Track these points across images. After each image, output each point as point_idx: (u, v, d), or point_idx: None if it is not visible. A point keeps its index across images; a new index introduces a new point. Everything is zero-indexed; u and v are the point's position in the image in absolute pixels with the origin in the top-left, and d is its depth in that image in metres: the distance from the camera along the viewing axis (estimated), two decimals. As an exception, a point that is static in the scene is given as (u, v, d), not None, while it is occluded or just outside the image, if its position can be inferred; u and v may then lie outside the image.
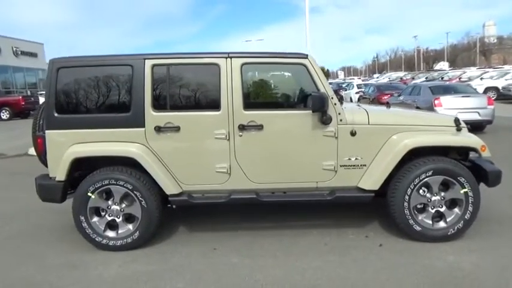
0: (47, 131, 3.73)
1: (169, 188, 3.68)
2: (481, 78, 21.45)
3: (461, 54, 71.30)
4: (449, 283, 3.00)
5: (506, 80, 19.71)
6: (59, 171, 3.67)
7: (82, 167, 3.81)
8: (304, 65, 3.69)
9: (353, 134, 3.68)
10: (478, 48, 67.43)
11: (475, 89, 13.31)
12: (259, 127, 3.65)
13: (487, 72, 24.01)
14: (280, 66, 4.01)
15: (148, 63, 3.66)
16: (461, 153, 3.91)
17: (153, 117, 3.66)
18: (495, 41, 72.96)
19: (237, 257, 3.56)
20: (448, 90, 11.19)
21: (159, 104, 3.70)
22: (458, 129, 3.81)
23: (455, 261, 3.32)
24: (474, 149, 3.69)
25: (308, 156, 3.72)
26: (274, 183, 3.77)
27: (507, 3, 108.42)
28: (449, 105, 9.90)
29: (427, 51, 79.98)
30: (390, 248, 3.60)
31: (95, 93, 3.81)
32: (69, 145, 3.69)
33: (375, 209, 4.39)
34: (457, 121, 3.83)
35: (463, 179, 3.56)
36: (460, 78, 23.84)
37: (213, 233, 4.16)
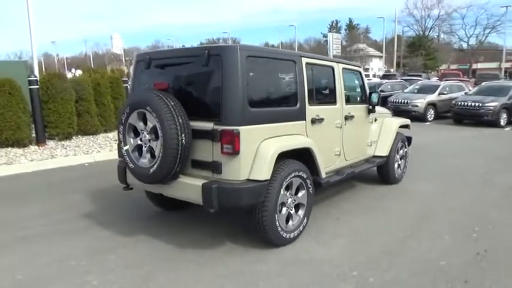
0: (241, 128, 3.26)
1: (323, 173, 4.17)
2: None
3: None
4: (422, 196, 5.49)
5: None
6: (264, 170, 3.37)
7: None
8: (360, 72, 5.15)
9: (375, 120, 5.53)
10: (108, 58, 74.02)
11: None
12: (352, 117, 4.80)
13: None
14: (353, 72, 5.15)
15: (304, 61, 3.98)
16: None
17: (310, 110, 4.03)
18: (122, 52, 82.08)
19: (357, 219, 4.57)
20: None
21: (310, 98, 4.07)
22: (393, 115, 6.43)
23: (414, 184, 5.94)
24: (408, 126, 6.39)
25: (365, 137, 5.23)
26: (351, 160, 4.99)
27: (128, 18, 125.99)
28: None
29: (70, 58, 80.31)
30: (389, 188, 5.75)
31: (273, 86, 3.67)
32: (260, 141, 3.44)
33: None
34: (390, 110, 6.43)
35: (407, 142, 6.22)
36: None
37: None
